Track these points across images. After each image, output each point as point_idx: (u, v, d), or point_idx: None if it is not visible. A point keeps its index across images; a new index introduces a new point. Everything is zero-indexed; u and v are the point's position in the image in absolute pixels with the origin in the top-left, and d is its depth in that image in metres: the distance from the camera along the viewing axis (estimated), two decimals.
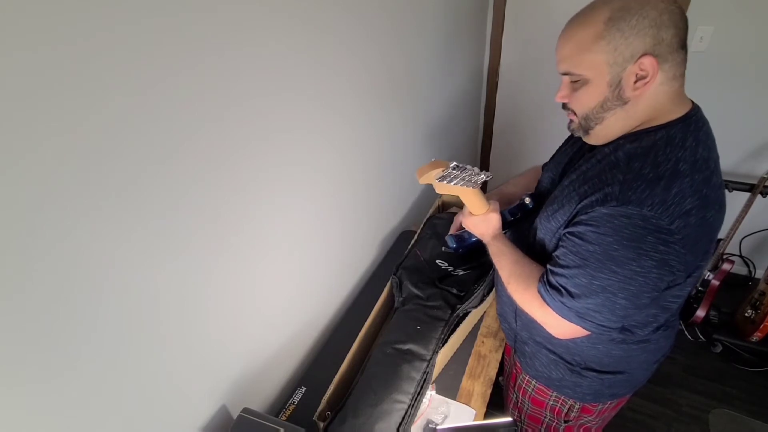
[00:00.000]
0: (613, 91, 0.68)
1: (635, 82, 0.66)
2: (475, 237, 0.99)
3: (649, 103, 0.68)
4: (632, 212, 0.65)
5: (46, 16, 0.48)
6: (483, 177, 0.81)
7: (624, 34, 0.63)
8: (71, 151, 0.53)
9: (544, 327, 0.81)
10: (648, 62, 0.64)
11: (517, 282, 0.84)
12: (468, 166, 0.77)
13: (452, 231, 1.10)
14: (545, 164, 1.02)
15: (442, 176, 0.71)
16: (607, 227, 0.67)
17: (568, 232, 0.74)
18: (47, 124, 0.50)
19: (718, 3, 1.73)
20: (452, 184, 0.77)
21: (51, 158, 0.51)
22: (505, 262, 0.88)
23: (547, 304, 0.77)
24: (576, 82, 0.71)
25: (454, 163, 0.72)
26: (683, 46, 0.65)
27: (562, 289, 0.74)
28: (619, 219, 0.66)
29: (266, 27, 0.79)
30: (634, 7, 0.63)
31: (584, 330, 0.76)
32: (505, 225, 0.94)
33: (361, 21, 1.09)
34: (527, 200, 0.94)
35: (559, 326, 0.78)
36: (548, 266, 0.78)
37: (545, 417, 1.08)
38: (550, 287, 0.76)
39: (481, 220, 0.93)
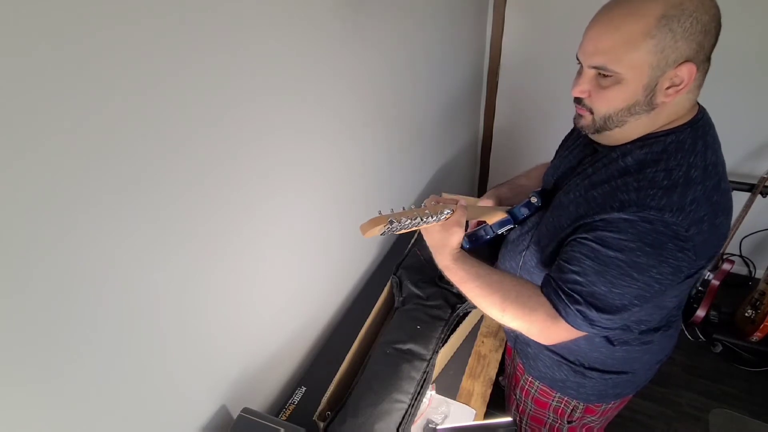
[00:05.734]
0: (647, 95, 0.62)
1: (667, 88, 0.62)
2: (491, 234, 0.92)
3: (673, 110, 0.66)
4: (653, 217, 0.62)
5: (45, 14, 0.47)
6: (435, 219, 0.72)
7: (675, 36, 0.57)
8: (71, 150, 0.53)
9: (539, 341, 0.75)
10: (687, 70, 0.59)
11: (515, 308, 0.73)
12: (410, 216, 0.70)
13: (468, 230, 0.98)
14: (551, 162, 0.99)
15: (384, 232, 0.70)
16: (630, 233, 0.64)
17: (582, 238, 0.69)
18: (48, 123, 0.50)
19: (717, 3, 1.72)
20: (399, 232, 0.73)
21: (51, 157, 0.51)
22: (485, 290, 0.75)
23: (561, 317, 0.70)
24: (606, 77, 0.63)
25: (390, 217, 0.70)
26: (710, 57, 0.63)
27: (578, 297, 0.68)
28: (641, 225, 0.63)
29: (266, 26, 0.79)
30: (689, 8, 0.56)
31: (581, 334, 0.71)
32: (517, 223, 0.92)
33: (362, 20, 1.08)
34: (534, 199, 0.90)
35: (559, 338, 0.72)
36: (555, 275, 0.72)
37: (548, 418, 1.07)
38: (564, 295, 0.69)
39: (438, 239, 0.78)
